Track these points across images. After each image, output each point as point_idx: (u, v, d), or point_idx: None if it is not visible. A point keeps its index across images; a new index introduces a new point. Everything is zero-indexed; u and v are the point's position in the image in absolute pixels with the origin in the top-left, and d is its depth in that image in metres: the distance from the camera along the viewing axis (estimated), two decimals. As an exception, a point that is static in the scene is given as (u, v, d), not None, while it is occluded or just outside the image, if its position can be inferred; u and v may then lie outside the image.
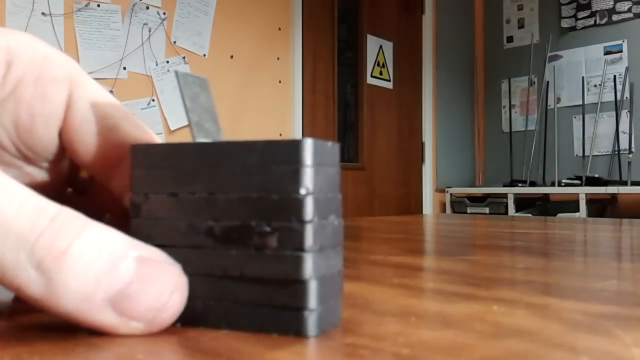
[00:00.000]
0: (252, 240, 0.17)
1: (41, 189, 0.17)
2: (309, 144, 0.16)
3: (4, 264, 0.15)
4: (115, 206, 0.23)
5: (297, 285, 0.16)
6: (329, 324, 0.17)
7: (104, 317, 0.16)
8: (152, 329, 0.16)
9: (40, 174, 0.22)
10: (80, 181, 0.24)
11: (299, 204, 0.16)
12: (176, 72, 0.20)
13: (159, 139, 0.22)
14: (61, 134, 0.21)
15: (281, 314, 0.16)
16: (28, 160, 0.21)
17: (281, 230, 0.16)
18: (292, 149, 0.16)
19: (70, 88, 0.20)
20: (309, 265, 0.16)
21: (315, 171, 0.16)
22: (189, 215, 0.17)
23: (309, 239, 0.16)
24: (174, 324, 0.17)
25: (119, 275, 0.16)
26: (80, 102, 0.20)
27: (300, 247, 0.16)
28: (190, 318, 0.17)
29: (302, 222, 0.16)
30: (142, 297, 0.16)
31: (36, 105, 0.20)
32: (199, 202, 0.17)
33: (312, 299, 0.16)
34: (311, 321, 0.16)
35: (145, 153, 0.18)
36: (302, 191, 0.16)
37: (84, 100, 0.20)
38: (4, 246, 0.15)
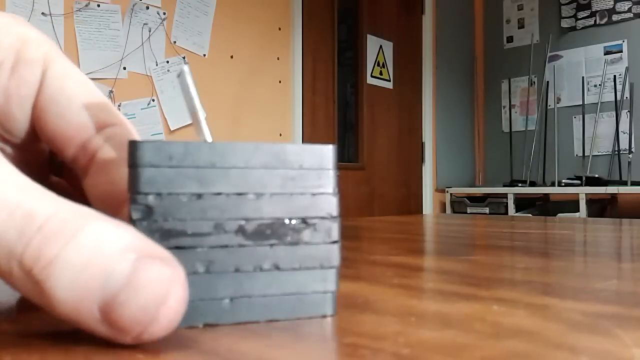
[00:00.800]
0: (287, 235, 0.18)
1: (22, 170, 0.16)
2: (332, 150, 0.19)
3: (2, 273, 0.15)
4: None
5: (328, 271, 0.19)
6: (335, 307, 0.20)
7: (97, 328, 0.15)
8: (137, 341, 0.15)
9: (20, 156, 0.22)
10: (58, 162, 0.24)
11: (331, 201, 0.19)
12: (180, 72, 0.19)
13: (127, 122, 0.22)
14: (32, 114, 0.21)
15: (309, 299, 0.18)
16: (7, 141, 0.21)
17: (315, 225, 0.18)
18: (323, 153, 0.19)
19: (43, 69, 0.20)
20: (337, 254, 0.19)
21: (336, 173, 0.19)
22: (214, 215, 0.17)
23: (337, 232, 0.19)
24: (196, 326, 0.17)
25: (109, 283, 0.15)
26: (49, 81, 0.20)
27: (332, 239, 0.19)
28: (216, 317, 0.17)
29: (333, 217, 0.19)
30: (128, 309, 0.15)
31: (12, 88, 0.20)
32: (227, 201, 0.17)
33: (335, 283, 0.19)
34: (333, 302, 0.19)
35: (155, 151, 0.17)
36: (335, 191, 0.19)
37: (53, 81, 0.20)
38: None
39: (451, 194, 3.75)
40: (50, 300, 0.15)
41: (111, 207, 0.20)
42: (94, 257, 0.15)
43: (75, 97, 0.21)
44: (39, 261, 0.15)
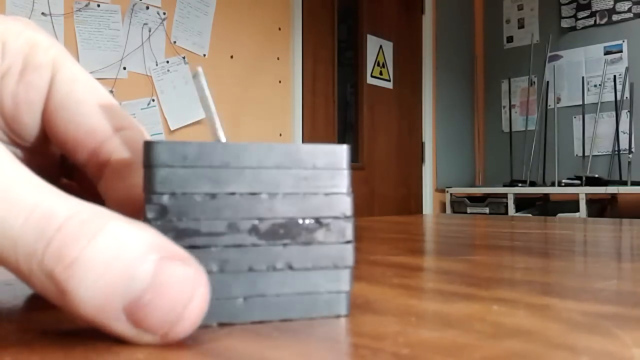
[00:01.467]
0: (300, 235, 0.18)
1: (34, 173, 0.16)
2: (346, 150, 0.19)
3: (21, 273, 0.15)
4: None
5: (342, 271, 0.19)
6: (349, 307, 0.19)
7: (121, 328, 0.15)
8: (167, 340, 0.15)
9: (32, 159, 0.22)
10: (69, 165, 0.24)
11: (345, 201, 0.19)
12: (195, 73, 0.20)
13: (138, 124, 0.22)
14: (42, 119, 0.21)
15: (323, 298, 0.18)
16: (17, 145, 0.21)
17: (328, 225, 0.19)
18: (337, 153, 0.19)
19: (52, 73, 0.20)
20: (351, 254, 0.19)
21: (350, 173, 0.19)
22: (228, 215, 0.17)
23: (351, 232, 0.19)
24: (210, 325, 0.17)
25: (134, 283, 0.15)
26: (58, 86, 0.20)
27: (346, 239, 0.19)
28: (229, 316, 0.17)
29: (347, 217, 0.19)
30: (154, 309, 0.15)
31: (20, 93, 0.20)
32: (240, 201, 0.18)
33: (349, 283, 0.19)
34: (346, 302, 0.19)
35: (170, 151, 0.17)
36: (348, 190, 0.19)
37: (62, 85, 0.20)
38: (17, 258, 0.15)
39: (451, 194, 3.75)
40: (72, 301, 0.15)
41: (131, 211, 0.20)
42: (116, 258, 0.15)
43: (84, 101, 0.21)
44: (60, 262, 0.15)
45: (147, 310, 0.15)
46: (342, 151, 0.19)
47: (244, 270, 0.18)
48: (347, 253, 0.19)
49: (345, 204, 0.19)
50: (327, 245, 0.19)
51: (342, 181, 0.19)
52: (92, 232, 0.15)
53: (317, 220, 0.18)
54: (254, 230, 0.18)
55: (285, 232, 0.18)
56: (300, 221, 0.18)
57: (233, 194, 0.17)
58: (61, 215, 0.15)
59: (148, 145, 0.17)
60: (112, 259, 0.15)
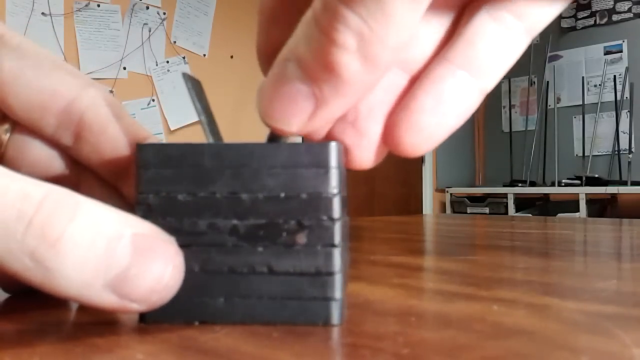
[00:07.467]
0: (281, 237, 0.18)
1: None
2: (334, 147, 0.18)
3: None
4: None
5: (326, 277, 0.18)
6: (344, 316, 0.18)
7: (106, 301, 0.15)
8: (151, 307, 0.16)
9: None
10: None
11: (329, 203, 0.18)
12: (183, 74, 0.20)
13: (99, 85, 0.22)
14: None
15: (309, 305, 0.18)
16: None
17: (311, 227, 0.18)
18: (321, 151, 0.18)
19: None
20: (337, 259, 0.18)
21: (339, 172, 0.18)
22: (209, 215, 0.18)
23: (337, 235, 0.18)
24: (192, 323, 0.17)
25: (116, 259, 0.15)
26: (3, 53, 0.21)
27: (330, 243, 0.18)
28: (211, 316, 0.17)
29: (332, 219, 0.18)
30: (140, 280, 0.16)
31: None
32: (220, 201, 0.18)
33: (338, 290, 0.18)
34: (337, 310, 0.18)
35: (156, 152, 0.18)
36: (333, 191, 0.18)
37: (9, 53, 0.21)
38: None
39: (451, 194, 3.75)
40: (56, 279, 0.15)
41: (116, 166, 0.21)
42: (96, 235, 0.15)
43: (39, 65, 0.21)
44: (44, 241, 0.15)
45: (134, 283, 0.15)
46: (328, 149, 0.18)
47: (225, 270, 0.18)
48: (333, 258, 0.18)
49: (330, 206, 0.18)
50: (309, 249, 0.18)
51: (328, 181, 0.18)
52: (70, 211, 0.15)
53: (299, 222, 0.18)
54: (234, 230, 0.18)
55: (265, 233, 0.18)
56: (281, 223, 0.18)
57: (214, 193, 0.18)
58: (36, 195, 0.15)
59: (138, 147, 0.18)
60: (94, 236, 0.15)
